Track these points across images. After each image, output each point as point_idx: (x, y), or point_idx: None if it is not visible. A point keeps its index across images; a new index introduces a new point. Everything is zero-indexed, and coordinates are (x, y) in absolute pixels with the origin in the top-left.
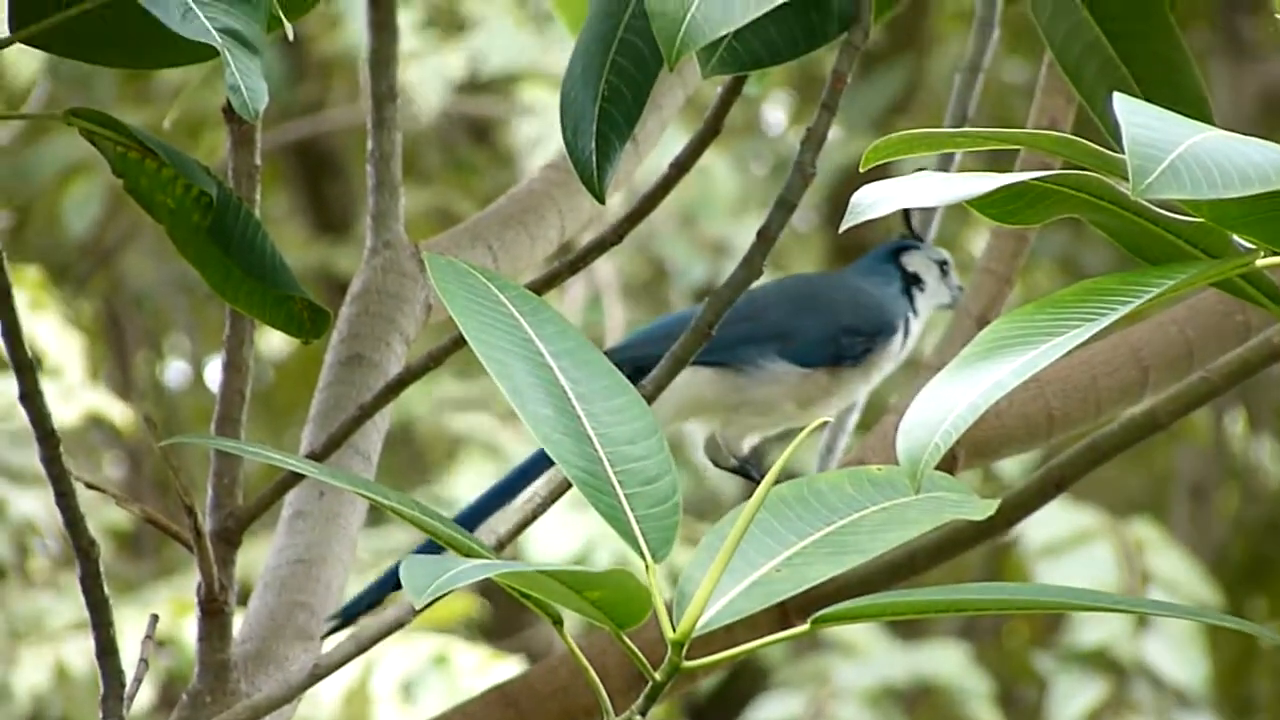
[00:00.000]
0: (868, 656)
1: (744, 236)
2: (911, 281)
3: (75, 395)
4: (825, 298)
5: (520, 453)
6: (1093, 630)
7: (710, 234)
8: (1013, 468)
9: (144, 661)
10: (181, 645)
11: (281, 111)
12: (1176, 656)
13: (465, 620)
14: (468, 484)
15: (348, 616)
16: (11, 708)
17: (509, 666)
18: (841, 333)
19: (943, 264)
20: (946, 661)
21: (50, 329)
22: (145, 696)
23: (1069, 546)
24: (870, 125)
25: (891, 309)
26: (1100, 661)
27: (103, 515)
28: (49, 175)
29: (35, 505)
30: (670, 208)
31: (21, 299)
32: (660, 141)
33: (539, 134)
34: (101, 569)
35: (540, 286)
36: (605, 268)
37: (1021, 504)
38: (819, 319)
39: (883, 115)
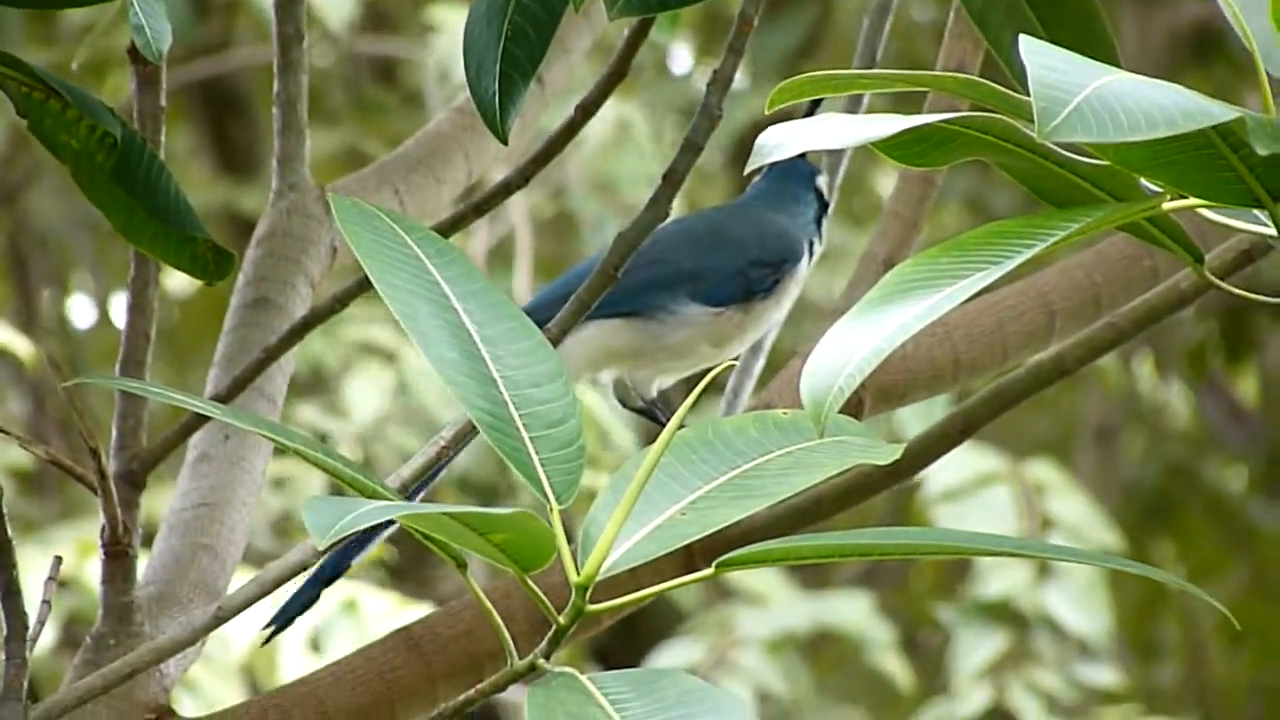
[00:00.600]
0: (771, 605)
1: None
2: (824, 207)
3: None
4: (730, 233)
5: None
6: (995, 581)
7: (630, 199)
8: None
9: (46, 603)
10: (85, 586)
11: (186, 51)
12: (1078, 607)
13: (373, 566)
14: (362, 392)
15: (284, 620)
16: None
17: (418, 611)
18: (749, 266)
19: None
20: (849, 610)
21: None
22: (48, 637)
23: (970, 491)
24: (776, 69)
25: (796, 235)
26: (1002, 613)
27: (4, 455)
28: None
29: None
30: (591, 177)
31: None
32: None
33: (448, 58)
34: (4, 510)
35: (446, 229)
36: (522, 227)
37: (927, 449)
38: (726, 256)
39: (789, 59)
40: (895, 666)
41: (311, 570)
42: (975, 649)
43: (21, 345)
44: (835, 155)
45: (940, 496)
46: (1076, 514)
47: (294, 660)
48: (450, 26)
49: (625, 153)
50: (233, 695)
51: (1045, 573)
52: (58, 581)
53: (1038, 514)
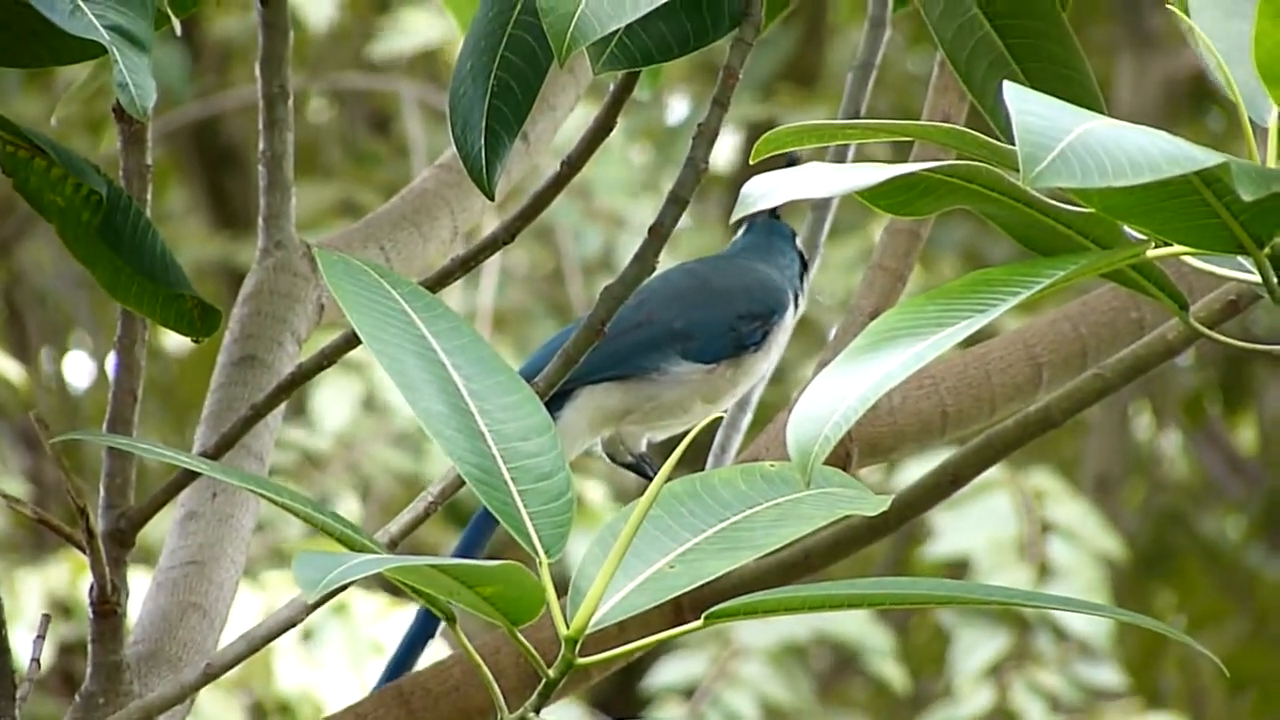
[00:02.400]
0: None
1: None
2: (805, 265)
3: None
4: (717, 288)
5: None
6: (995, 581)
7: (606, 207)
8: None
9: (35, 662)
10: (82, 610)
11: (176, 100)
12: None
13: None
14: (331, 402)
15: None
16: None
17: (407, 613)
18: (738, 320)
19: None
20: (849, 617)
21: None
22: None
23: (969, 497)
24: (758, 89)
25: (782, 286)
26: (1003, 613)
27: (3, 483)
28: None
29: None
30: (570, 184)
31: None
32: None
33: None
34: None
35: (433, 284)
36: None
37: (916, 500)
38: (714, 312)
39: (770, 80)
40: (894, 673)
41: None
42: (976, 649)
43: (14, 370)
44: (821, 210)
45: (942, 504)
46: (1075, 519)
47: (287, 663)
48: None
49: (604, 160)
50: (232, 710)
51: (1045, 574)
52: (44, 639)
53: (1037, 519)
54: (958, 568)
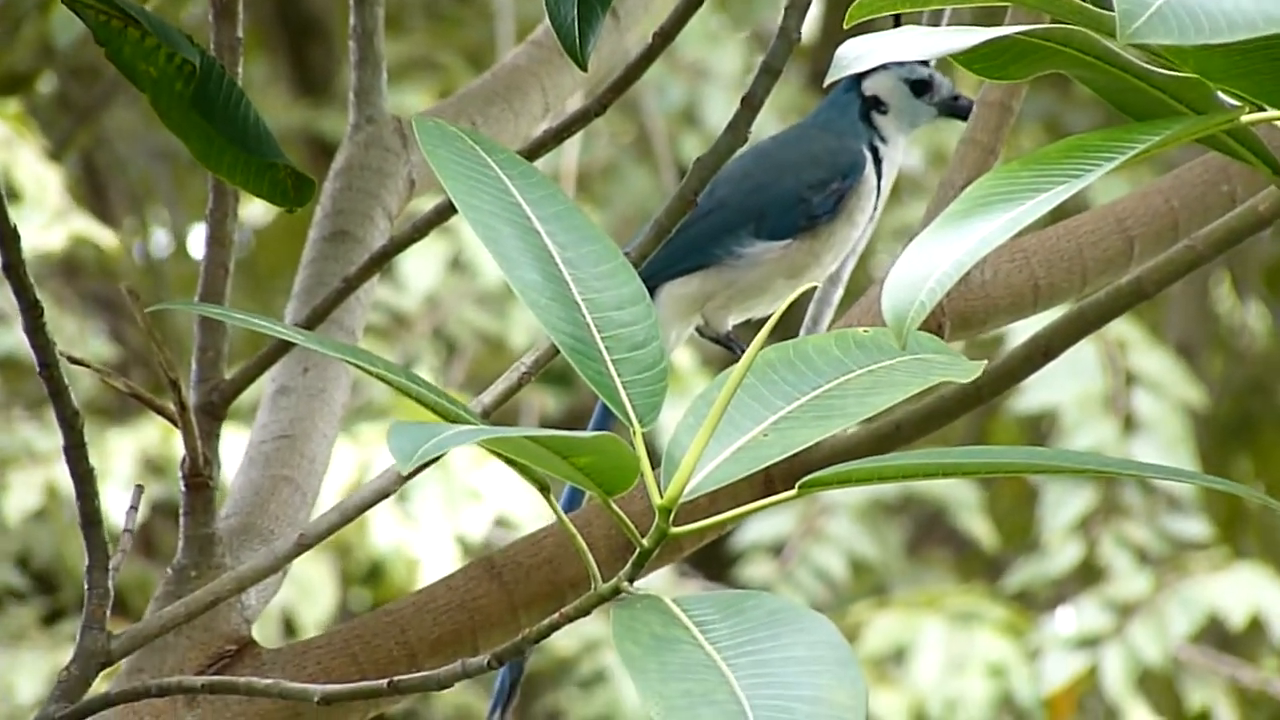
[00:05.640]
0: None
1: (722, 61)
2: (871, 105)
3: (62, 219)
4: (779, 161)
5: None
6: (1082, 435)
7: (688, 58)
8: None
9: (129, 532)
10: (173, 470)
11: None
12: (1166, 460)
13: None
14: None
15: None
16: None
17: (499, 465)
18: (806, 190)
19: (915, 82)
20: None
21: (31, 159)
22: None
23: None
24: None
25: (849, 145)
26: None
27: (90, 348)
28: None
29: (14, 340)
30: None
31: (1, 130)
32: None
33: None
34: (85, 441)
35: (527, 155)
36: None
37: (1008, 372)
38: (780, 186)
39: None
40: (982, 529)
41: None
42: (1064, 504)
43: (105, 236)
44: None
45: None
46: (1159, 369)
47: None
48: None
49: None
50: (321, 574)
51: (1130, 427)
52: (137, 510)
53: (1121, 370)
54: (1044, 420)
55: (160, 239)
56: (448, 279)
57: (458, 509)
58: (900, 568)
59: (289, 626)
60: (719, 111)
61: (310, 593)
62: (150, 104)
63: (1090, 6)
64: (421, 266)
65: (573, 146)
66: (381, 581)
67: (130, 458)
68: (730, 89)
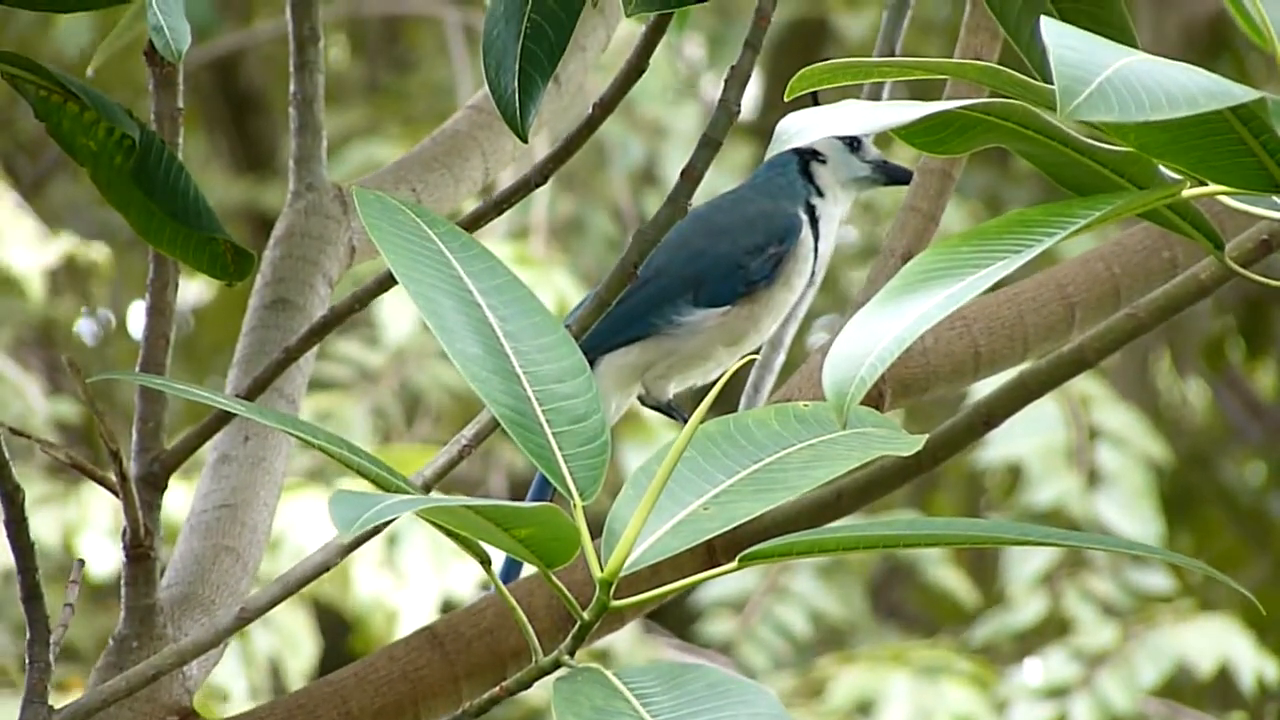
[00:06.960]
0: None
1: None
2: (810, 156)
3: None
4: (715, 227)
5: None
6: (1047, 489)
7: (647, 116)
8: None
9: (69, 607)
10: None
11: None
12: (1128, 513)
13: None
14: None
15: None
16: None
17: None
18: (744, 255)
19: (850, 140)
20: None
21: None
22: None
23: None
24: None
25: (785, 208)
26: (1054, 521)
27: (54, 411)
28: None
29: None
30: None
31: None
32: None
33: None
34: (25, 515)
35: (467, 226)
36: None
37: (949, 441)
38: (717, 252)
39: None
40: (953, 581)
41: None
42: (1029, 558)
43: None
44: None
45: None
46: (1121, 424)
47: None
48: None
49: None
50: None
51: (1094, 482)
52: (80, 582)
53: (1084, 425)
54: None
55: (99, 316)
56: (416, 335)
57: (445, 566)
58: (865, 623)
59: (275, 674)
60: (676, 170)
61: (294, 644)
62: (90, 178)
63: (1031, 80)
64: (398, 317)
65: (541, 199)
66: (359, 632)
67: (109, 509)
68: (688, 148)
